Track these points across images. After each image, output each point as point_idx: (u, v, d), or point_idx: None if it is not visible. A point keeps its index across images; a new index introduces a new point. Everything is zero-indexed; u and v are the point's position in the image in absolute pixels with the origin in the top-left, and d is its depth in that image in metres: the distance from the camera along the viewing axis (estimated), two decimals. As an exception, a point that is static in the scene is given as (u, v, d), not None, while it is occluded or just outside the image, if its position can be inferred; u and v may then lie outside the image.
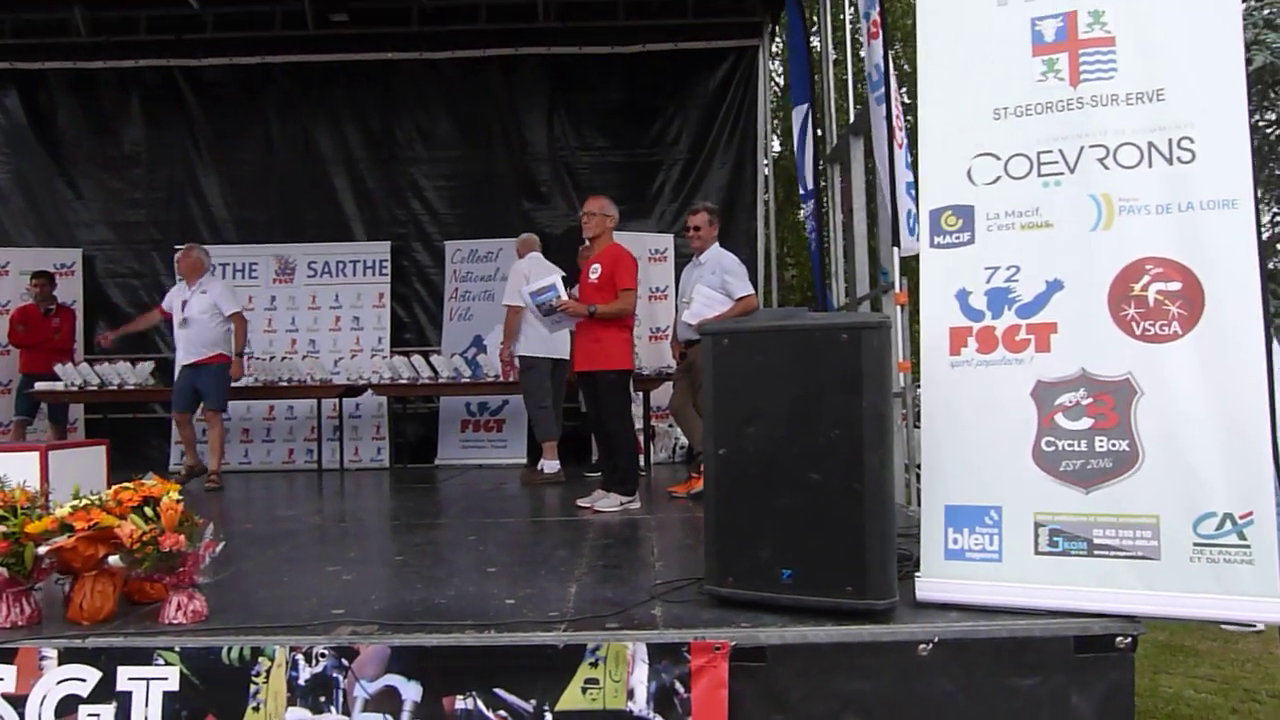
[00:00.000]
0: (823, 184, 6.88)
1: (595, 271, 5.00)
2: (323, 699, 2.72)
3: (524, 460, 7.72)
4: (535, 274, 6.26)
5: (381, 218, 9.16)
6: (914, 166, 4.12)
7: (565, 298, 4.96)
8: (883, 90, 4.71)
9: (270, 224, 9.13)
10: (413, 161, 9.14)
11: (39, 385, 7.97)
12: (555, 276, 5.00)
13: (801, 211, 6.99)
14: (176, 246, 7.16)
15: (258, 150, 9.10)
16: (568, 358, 6.44)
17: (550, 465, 6.52)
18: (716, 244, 5.67)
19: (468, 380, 7.82)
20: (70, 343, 8.45)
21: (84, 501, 2.98)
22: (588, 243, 5.32)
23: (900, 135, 4.48)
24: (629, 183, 8.81)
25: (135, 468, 4.73)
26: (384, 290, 8.97)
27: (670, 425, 7.90)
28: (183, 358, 6.50)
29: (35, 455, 4.17)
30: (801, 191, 6.93)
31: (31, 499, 2.99)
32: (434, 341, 9.03)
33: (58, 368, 8.00)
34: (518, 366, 6.55)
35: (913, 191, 4.41)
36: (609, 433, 4.97)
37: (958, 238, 3.14)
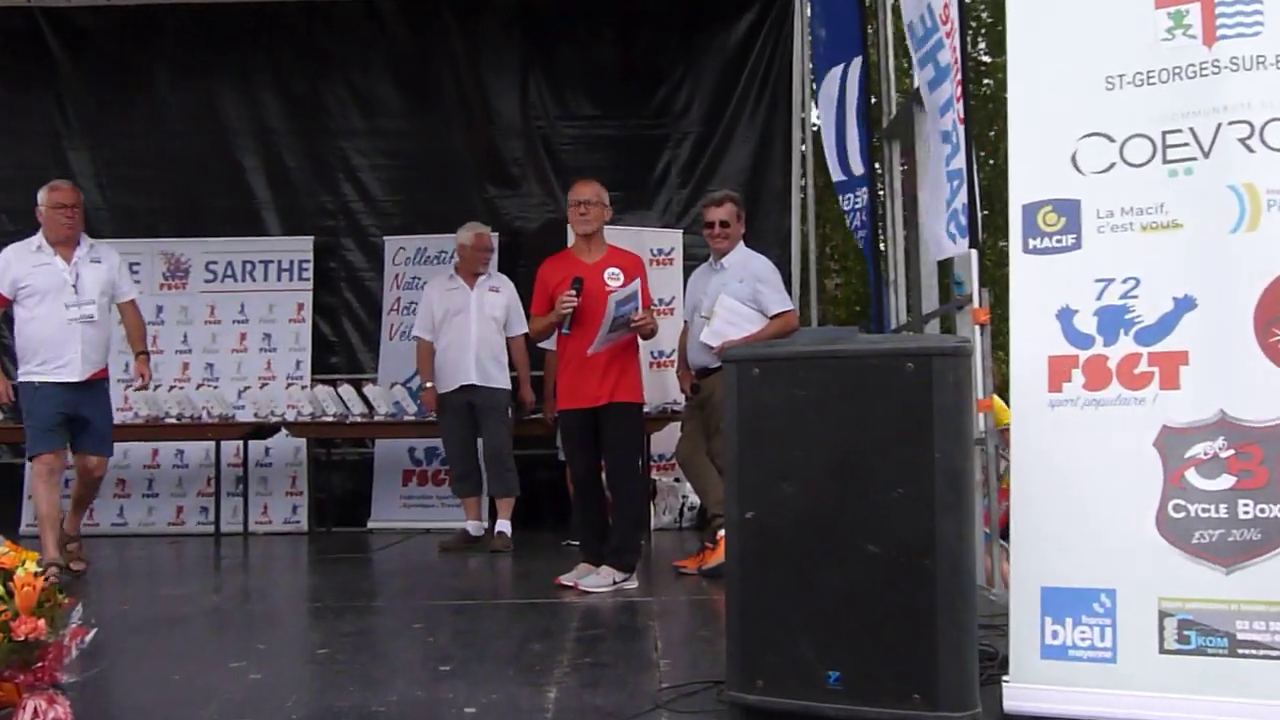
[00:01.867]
0: (877, 167, 6.94)
1: (616, 278, 5.06)
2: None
3: (484, 522, 7.49)
4: (442, 296, 6.73)
5: (303, 206, 9.19)
6: (968, 144, 4.20)
7: (641, 312, 5.00)
8: (940, 37, 4.63)
9: (157, 213, 9.16)
10: (345, 134, 9.20)
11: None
12: (636, 287, 5.04)
13: (844, 203, 7.03)
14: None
15: (143, 119, 9.13)
16: (478, 383, 6.74)
17: (476, 528, 6.84)
18: (742, 244, 5.73)
19: (412, 418, 7.86)
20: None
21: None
22: (574, 239, 5.37)
23: (958, 107, 4.38)
24: (625, 164, 8.82)
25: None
26: (304, 300, 9.00)
27: (677, 480, 7.93)
28: (59, 367, 5.81)
29: None
30: (841, 178, 6.94)
31: None
32: (368, 367, 9.11)
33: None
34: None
35: (955, 177, 4.42)
36: (621, 487, 5.02)
37: (1059, 241, 3.14)
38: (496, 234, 7.91)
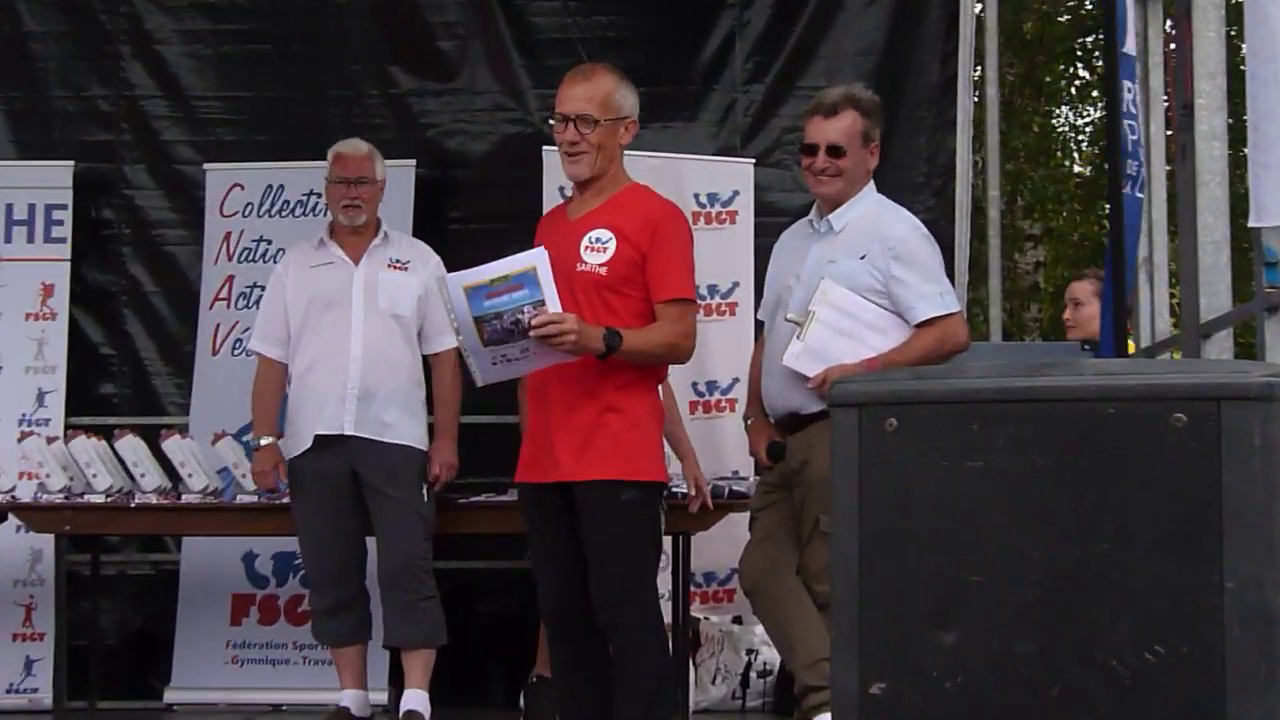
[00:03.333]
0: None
1: (603, 247, 5.11)
2: None
3: (384, 691, 7.34)
4: (302, 278, 6.72)
5: (54, 108, 8.63)
6: None
7: (552, 305, 4.95)
8: None
9: None
10: None
11: None
12: (540, 257, 5.01)
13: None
14: None
15: None
16: (361, 434, 6.71)
17: (405, 698, 6.83)
18: (871, 188, 5.71)
19: (254, 500, 7.29)
20: None
21: None
22: (569, 191, 5.66)
23: None
24: (652, 40, 8.57)
25: None
26: (55, 278, 8.33)
27: (738, 621, 7.73)
28: None
29: None
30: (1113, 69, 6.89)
31: None
32: (172, 405, 8.51)
33: None
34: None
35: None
36: (620, 632, 5.05)
37: None
38: (412, 163, 7.92)
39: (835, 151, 5.51)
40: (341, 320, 6.75)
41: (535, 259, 4.92)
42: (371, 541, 6.81)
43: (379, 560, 6.71)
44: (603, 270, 4.96)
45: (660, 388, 5.41)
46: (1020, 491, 2.97)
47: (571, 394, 5.01)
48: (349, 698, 6.68)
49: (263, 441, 6.78)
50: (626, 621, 5.01)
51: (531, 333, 4.85)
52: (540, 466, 5.05)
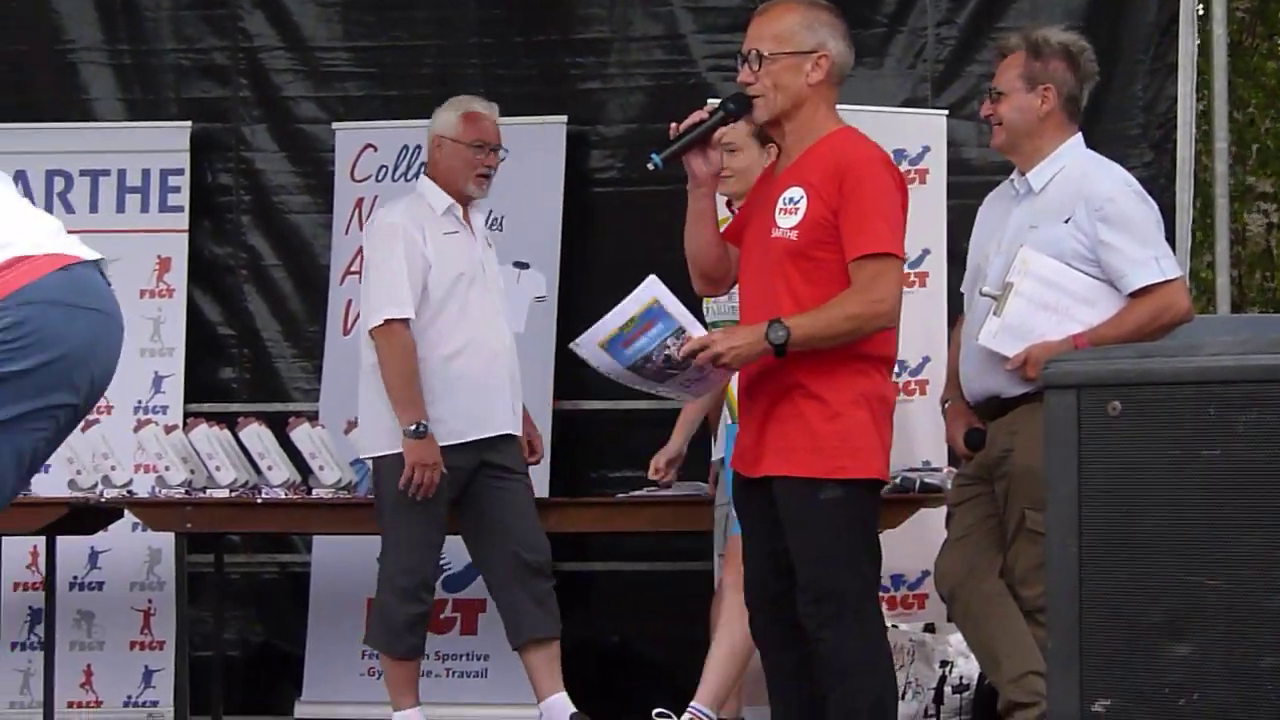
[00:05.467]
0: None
1: (794, 208, 5.05)
2: None
3: (532, 704, 7.34)
4: (435, 243, 6.84)
5: (166, 62, 8.87)
6: None
7: (691, 329, 5.06)
8: None
9: None
10: None
11: None
12: (654, 288, 5.04)
13: None
14: None
15: None
16: (515, 433, 7.02)
17: (553, 709, 6.99)
18: (1076, 141, 5.72)
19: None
20: None
21: None
22: (767, 154, 5.82)
23: None
24: None
25: None
26: (174, 251, 8.61)
27: (930, 630, 7.68)
28: None
29: None
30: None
31: None
32: (297, 391, 8.82)
33: None
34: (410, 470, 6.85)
35: None
36: (821, 638, 5.00)
37: None
38: (562, 119, 8.11)
39: (995, 97, 5.64)
40: (484, 300, 6.95)
41: (650, 292, 5.00)
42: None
43: (514, 551, 6.86)
44: (793, 235, 4.96)
45: (881, 367, 5.29)
46: (1262, 484, 2.96)
47: (765, 381, 5.06)
48: (419, 715, 6.92)
49: (425, 428, 6.83)
50: (833, 636, 5.01)
51: (678, 359, 5.00)
52: (743, 457, 5.13)
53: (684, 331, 4.95)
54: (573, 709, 6.89)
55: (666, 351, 4.94)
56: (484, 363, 6.90)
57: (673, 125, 5.02)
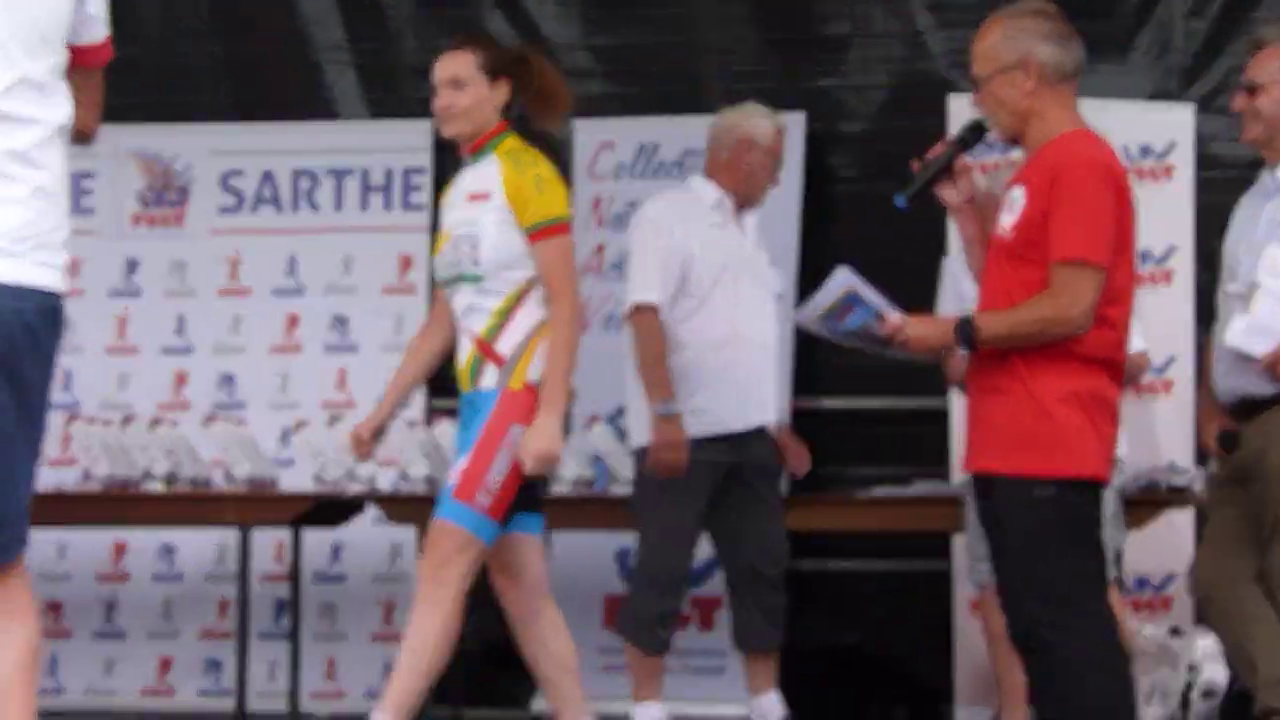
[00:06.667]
0: None
1: (1014, 207, 5.11)
2: None
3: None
4: (700, 236, 7.08)
5: (408, 62, 9.31)
6: None
7: (892, 316, 5.15)
8: None
9: (122, 78, 9.16)
10: None
11: None
12: (847, 279, 5.16)
13: None
14: None
15: None
16: (769, 422, 7.21)
17: (764, 707, 7.19)
18: None
19: (630, 492, 7.74)
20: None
21: None
22: (1006, 162, 6.06)
23: None
24: None
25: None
26: (415, 248, 9.04)
27: (1176, 632, 7.81)
28: None
29: None
30: None
31: None
32: None
33: None
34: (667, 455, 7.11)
35: None
36: (1035, 635, 5.05)
37: None
38: (801, 115, 8.31)
39: (1251, 90, 5.70)
40: (751, 294, 7.25)
41: (843, 283, 5.16)
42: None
43: (751, 561, 7.19)
44: (1010, 234, 5.07)
45: (1101, 369, 5.28)
46: None
47: (981, 377, 5.15)
48: (661, 711, 7.23)
49: (673, 409, 7.10)
50: (1055, 636, 5.06)
51: (881, 338, 5.20)
52: (967, 452, 5.26)
53: (881, 314, 5.13)
54: (783, 710, 7.18)
55: (872, 332, 5.14)
56: (748, 355, 7.16)
57: (914, 163, 5.17)
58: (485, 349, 5.77)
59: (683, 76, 9.19)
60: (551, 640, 5.98)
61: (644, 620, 7.19)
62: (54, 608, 8.86)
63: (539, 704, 8.25)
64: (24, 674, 4.15)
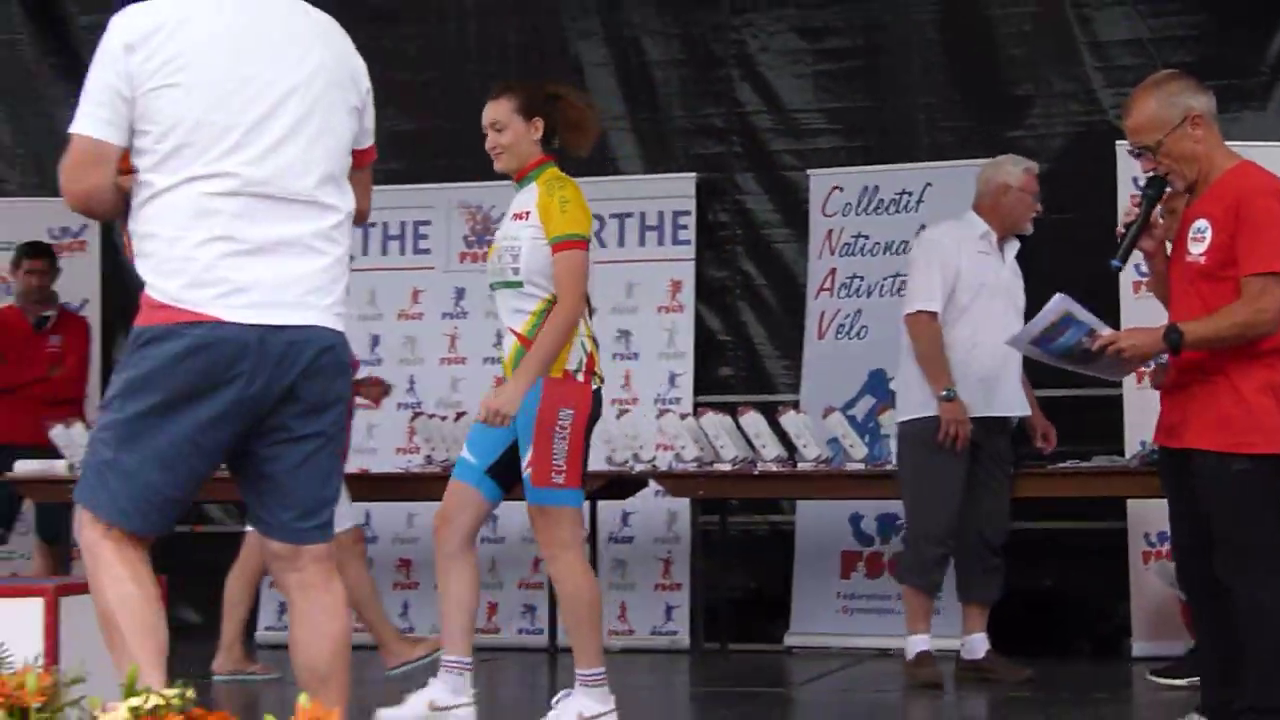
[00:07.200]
0: None
1: (1202, 237, 5.28)
2: None
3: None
4: (968, 258, 7.62)
5: (676, 124, 10.05)
6: None
7: (1104, 331, 5.40)
8: None
9: (450, 142, 10.05)
10: (743, 5, 9.99)
11: (20, 467, 8.69)
12: (1064, 303, 5.46)
13: None
14: None
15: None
16: (1018, 414, 7.84)
17: (974, 643, 7.77)
18: None
19: (860, 467, 8.50)
20: (80, 384, 9.45)
21: (150, 700, 3.12)
22: (1141, 181, 5.91)
23: None
24: (1218, 35, 9.23)
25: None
26: (682, 275, 9.81)
27: None
28: None
29: (38, 604, 4.71)
30: None
31: (51, 691, 3.24)
32: (783, 384, 9.88)
33: (55, 432, 8.61)
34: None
35: None
36: (1241, 595, 5.20)
37: None
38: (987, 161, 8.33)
39: None
40: (1004, 310, 7.69)
41: (1061, 306, 5.44)
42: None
43: (979, 528, 7.72)
44: (1202, 259, 5.19)
45: None
46: None
47: (1189, 371, 5.29)
48: (927, 641, 7.73)
49: (953, 392, 7.61)
50: (1243, 585, 5.17)
51: (1092, 351, 5.43)
52: (1169, 431, 5.37)
53: (1094, 331, 5.39)
54: (988, 645, 7.79)
55: (1083, 346, 5.41)
56: (991, 359, 7.62)
57: (1119, 229, 5.46)
58: (527, 343, 5.87)
59: (896, 131, 9.82)
60: (454, 584, 6.05)
61: (920, 565, 7.72)
62: (405, 564, 9.72)
63: (789, 640, 9.27)
64: (341, 662, 4.29)
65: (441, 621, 6.24)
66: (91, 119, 3.98)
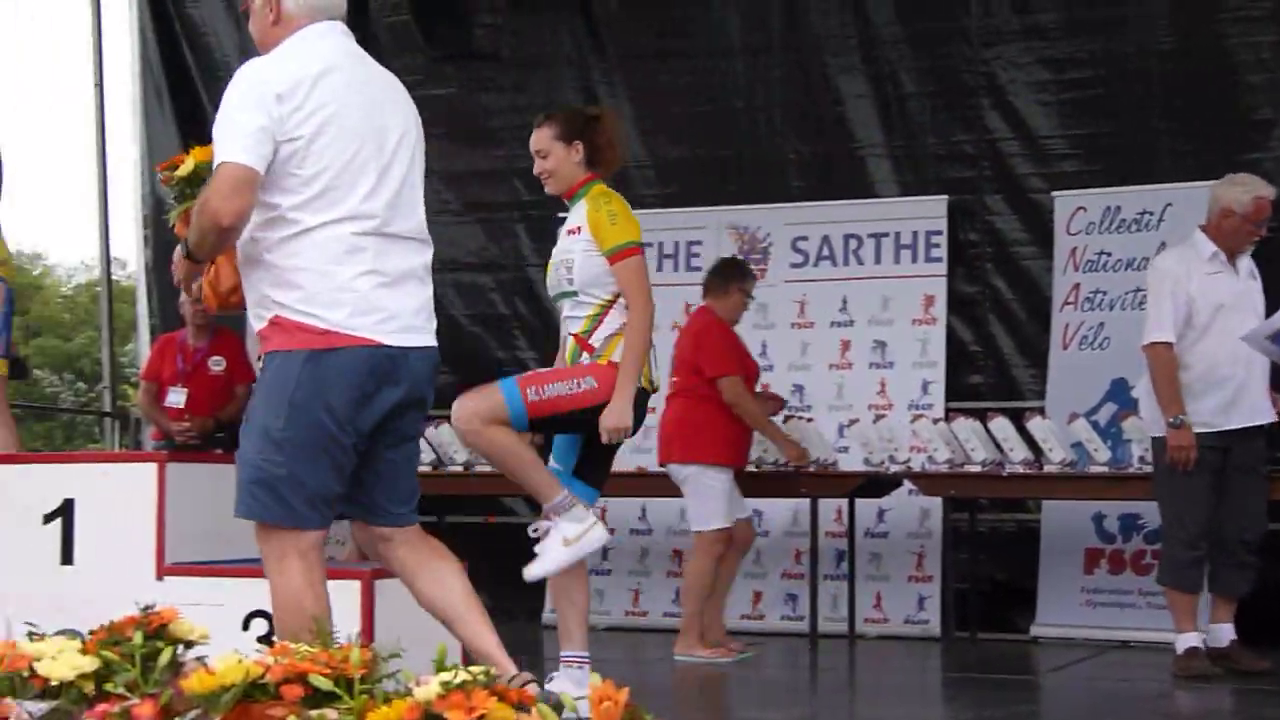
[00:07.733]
0: None
1: None
2: None
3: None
4: (1198, 281, 7.58)
5: (928, 150, 10.32)
6: None
7: None
8: None
9: (718, 168, 10.46)
10: (990, 38, 10.18)
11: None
12: None
13: None
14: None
15: (695, 30, 10.63)
16: (1264, 423, 7.69)
17: (1220, 632, 7.69)
18: None
19: (1103, 470, 8.67)
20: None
21: (457, 676, 3.30)
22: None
23: None
24: None
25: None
26: (935, 290, 10.07)
27: None
28: None
29: (355, 586, 5.04)
30: None
31: (371, 664, 3.46)
32: (1030, 391, 10.02)
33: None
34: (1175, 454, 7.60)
35: None
36: None
37: None
38: (1210, 183, 8.23)
39: None
40: (1243, 323, 7.64)
41: None
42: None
43: (1237, 527, 7.72)
44: None
45: None
46: None
47: None
48: (1197, 638, 7.67)
49: (1181, 420, 7.60)
50: None
51: None
52: None
53: None
54: (1233, 634, 7.77)
55: None
56: (1234, 372, 7.66)
57: None
58: (581, 342, 6.01)
59: (1137, 155, 9.87)
60: (566, 582, 6.11)
61: (1176, 568, 7.73)
62: (644, 553, 10.18)
63: (1035, 630, 9.38)
64: (472, 599, 4.53)
65: (559, 621, 6.32)
66: (246, 151, 4.26)
